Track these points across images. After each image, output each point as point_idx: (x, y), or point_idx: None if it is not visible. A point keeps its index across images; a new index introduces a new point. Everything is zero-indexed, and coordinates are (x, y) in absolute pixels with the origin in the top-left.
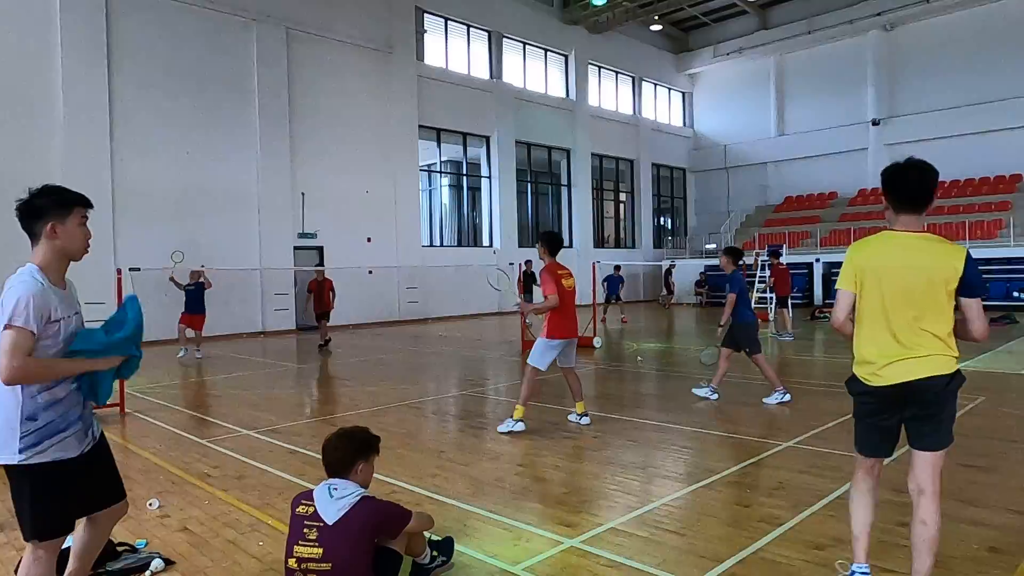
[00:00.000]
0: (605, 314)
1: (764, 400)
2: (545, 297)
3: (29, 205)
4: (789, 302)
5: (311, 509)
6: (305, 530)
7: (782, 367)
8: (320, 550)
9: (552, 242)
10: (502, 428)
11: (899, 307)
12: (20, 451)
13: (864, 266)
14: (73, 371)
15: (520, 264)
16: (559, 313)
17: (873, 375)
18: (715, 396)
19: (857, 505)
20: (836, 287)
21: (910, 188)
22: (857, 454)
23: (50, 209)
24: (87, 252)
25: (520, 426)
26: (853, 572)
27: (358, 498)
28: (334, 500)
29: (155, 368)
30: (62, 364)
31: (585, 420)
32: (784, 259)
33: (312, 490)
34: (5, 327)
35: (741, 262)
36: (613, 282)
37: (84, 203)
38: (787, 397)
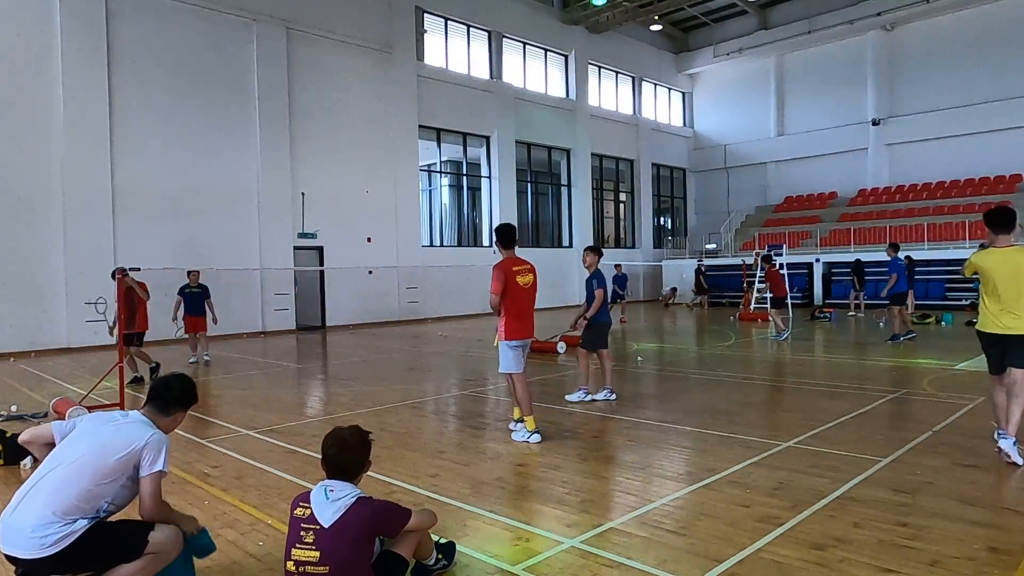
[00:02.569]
0: (623, 314)
1: (588, 398)
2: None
3: (175, 390)
4: (788, 303)
5: (308, 512)
6: (302, 533)
7: (782, 367)
8: (317, 553)
9: (505, 236)
10: (516, 437)
11: (1000, 290)
12: (87, 519)
13: (978, 266)
14: (171, 519)
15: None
16: (511, 313)
17: (983, 327)
18: (614, 396)
19: (996, 401)
20: (963, 273)
21: (1001, 219)
22: (989, 374)
23: (186, 400)
24: None
25: (536, 437)
26: (1000, 433)
27: (354, 499)
28: (330, 502)
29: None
30: (172, 514)
31: (521, 435)
32: (784, 259)
33: (310, 492)
34: (159, 472)
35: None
36: (620, 282)
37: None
38: (614, 396)
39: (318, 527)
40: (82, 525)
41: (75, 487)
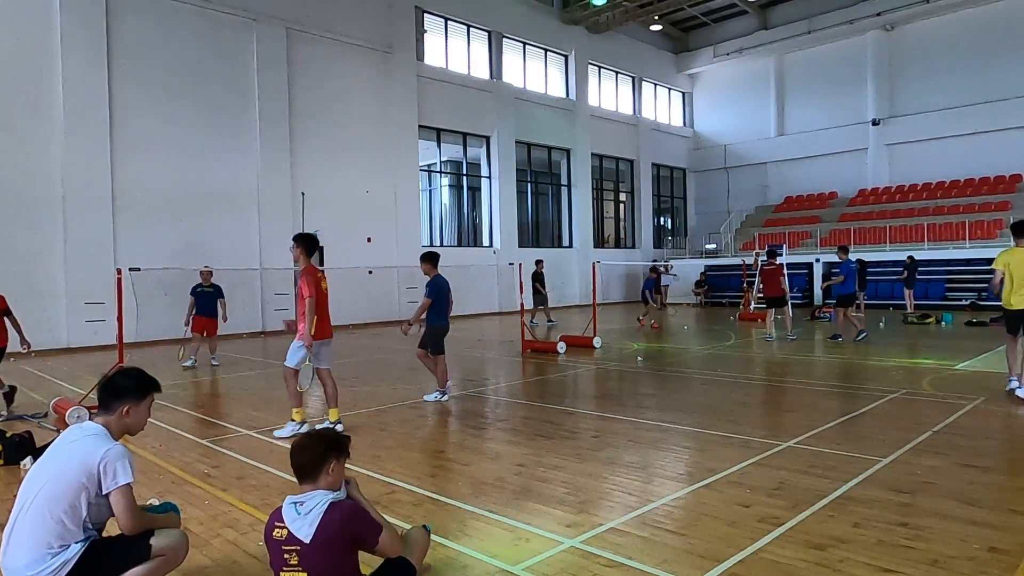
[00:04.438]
0: (653, 319)
1: (425, 396)
2: (303, 299)
3: (112, 383)
4: (787, 302)
5: (285, 532)
6: (286, 556)
7: (782, 367)
8: (305, 574)
9: (310, 244)
10: (281, 433)
11: (1015, 277)
12: (79, 542)
13: (1004, 260)
14: (154, 524)
15: (519, 265)
16: (318, 315)
17: (1009, 305)
18: (445, 398)
19: (1011, 355)
20: (992, 267)
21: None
22: (1007, 334)
23: (128, 392)
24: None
25: (305, 427)
26: (1012, 380)
27: (326, 505)
28: (303, 517)
29: (156, 369)
30: (154, 518)
31: (290, 429)
32: (784, 259)
33: (280, 509)
34: (125, 485)
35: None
36: (649, 285)
37: (158, 389)
38: (446, 397)
39: (299, 546)
40: (76, 549)
41: (51, 516)
